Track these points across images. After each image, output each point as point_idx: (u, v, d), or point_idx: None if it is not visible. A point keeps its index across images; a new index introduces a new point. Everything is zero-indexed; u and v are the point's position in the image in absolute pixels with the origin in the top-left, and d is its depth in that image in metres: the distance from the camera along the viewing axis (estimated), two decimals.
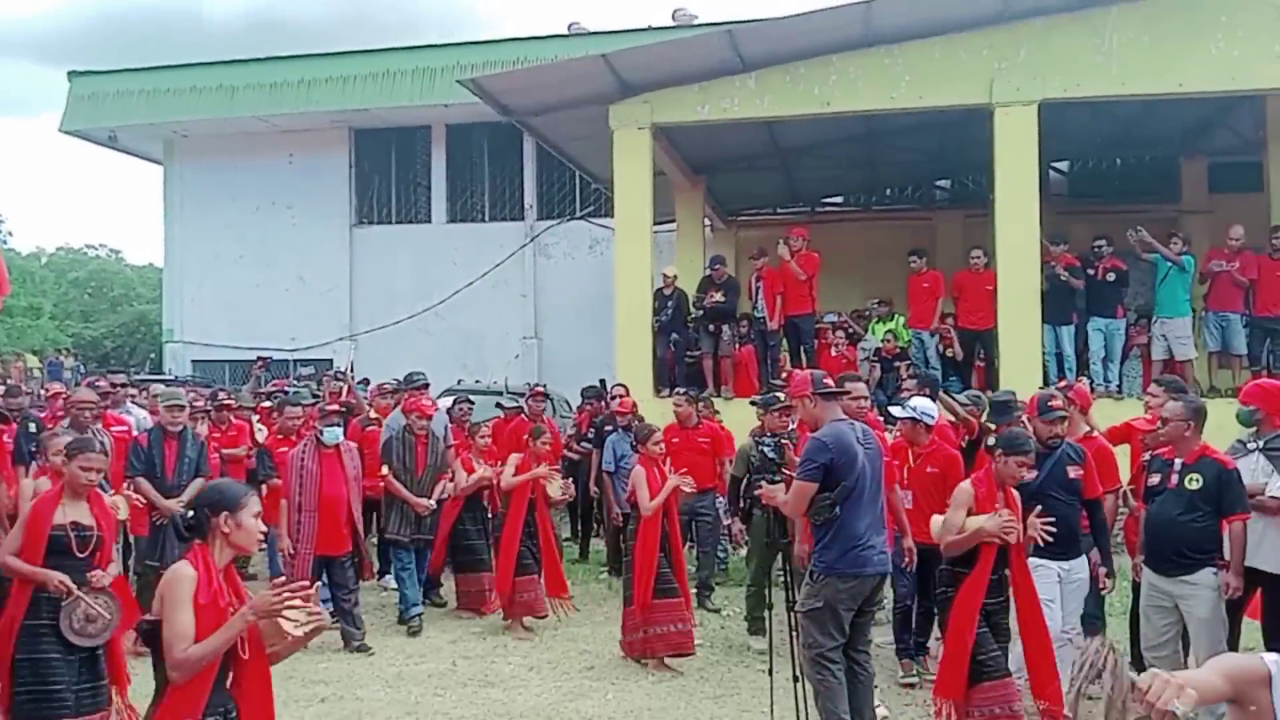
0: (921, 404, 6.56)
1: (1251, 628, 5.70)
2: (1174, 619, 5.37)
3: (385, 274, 18.80)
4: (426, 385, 9.42)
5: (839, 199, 19.19)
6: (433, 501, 7.99)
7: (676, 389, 10.16)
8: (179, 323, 19.64)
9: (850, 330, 12.48)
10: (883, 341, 12.46)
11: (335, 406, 7.84)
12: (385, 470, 7.98)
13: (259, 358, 14.16)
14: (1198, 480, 5.21)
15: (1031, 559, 5.24)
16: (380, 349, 17.80)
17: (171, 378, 15.50)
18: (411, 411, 8.11)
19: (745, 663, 6.84)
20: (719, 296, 11.85)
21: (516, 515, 7.72)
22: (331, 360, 18.71)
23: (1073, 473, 5.52)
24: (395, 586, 8.24)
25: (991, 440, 5.37)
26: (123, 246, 63.65)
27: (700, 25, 16.49)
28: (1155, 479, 5.49)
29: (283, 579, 3.32)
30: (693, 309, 12.02)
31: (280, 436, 8.56)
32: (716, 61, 11.00)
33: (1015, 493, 5.10)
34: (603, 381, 11.09)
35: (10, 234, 55.87)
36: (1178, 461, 5.36)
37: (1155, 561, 5.39)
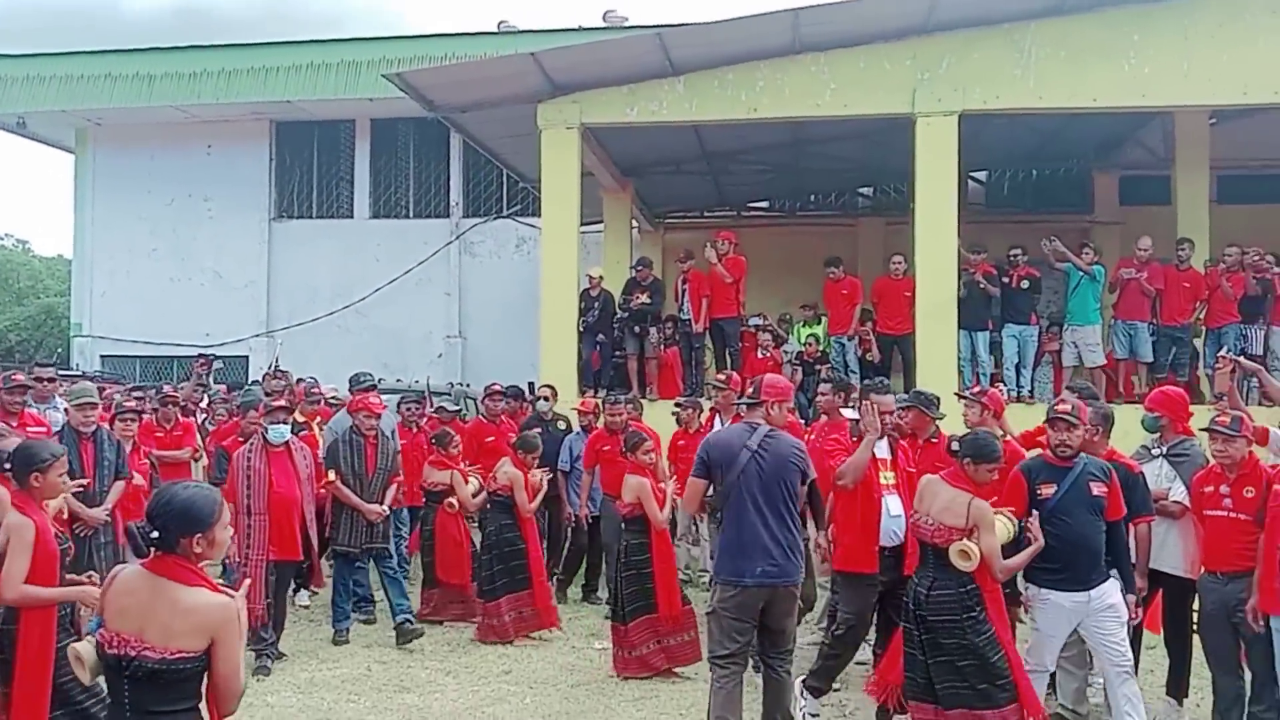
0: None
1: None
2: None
3: (305, 269, 18.41)
4: (374, 386, 9.05)
5: (765, 204, 19.36)
6: (385, 507, 7.55)
7: (606, 390, 10.17)
8: (88, 317, 18.97)
9: (775, 333, 12.60)
10: (804, 345, 12.63)
11: (281, 403, 7.31)
12: (332, 475, 7.45)
13: (201, 356, 13.53)
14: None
15: (1039, 590, 5.11)
16: (299, 346, 17.43)
17: (79, 373, 14.97)
18: (359, 410, 7.66)
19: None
20: (644, 298, 11.88)
21: (534, 531, 7.82)
22: (248, 357, 18.29)
23: (1096, 490, 5.07)
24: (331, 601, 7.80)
25: (956, 445, 5.18)
26: (30, 237, 61.39)
27: (631, 27, 16.49)
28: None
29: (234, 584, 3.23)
30: (619, 310, 12.02)
31: (242, 440, 7.77)
32: (646, 64, 11.01)
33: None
34: (531, 385, 11.01)
35: None
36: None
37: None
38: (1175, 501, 5.57)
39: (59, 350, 25.75)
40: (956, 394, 7.53)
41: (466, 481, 8.02)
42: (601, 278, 12.33)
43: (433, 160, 18.66)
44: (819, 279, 12.69)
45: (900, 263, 11.75)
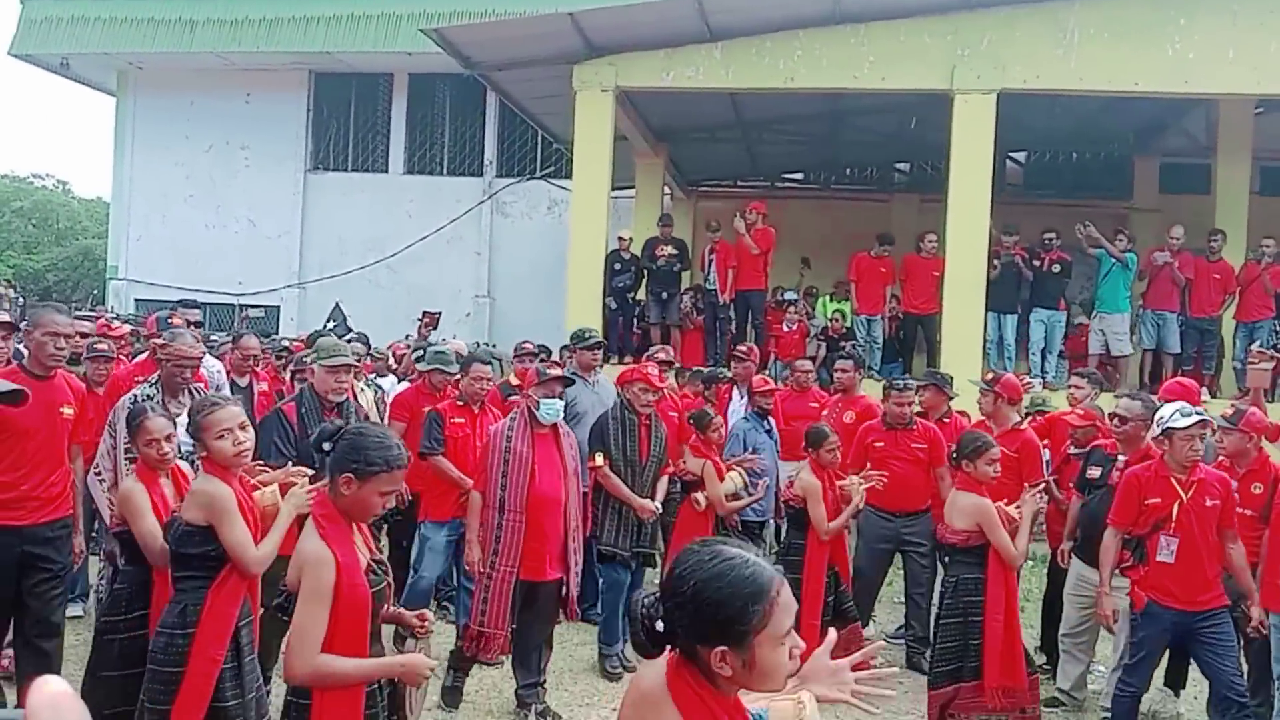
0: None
1: None
2: (1092, 609, 5.53)
3: (338, 222, 18.54)
4: (601, 344, 7.37)
5: (799, 175, 19.24)
6: (657, 503, 6.09)
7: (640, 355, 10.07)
8: (124, 260, 19.24)
9: (803, 308, 12.61)
10: (830, 320, 12.60)
11: (556, 372, 5.45)
12: (599, 460, 5.97)
13: (426, 312, 11.45)
14: None
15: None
16: (329, 298, 17.58)
17: (113, 315, 15.21)
18: (634, 382, 6.05)
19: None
20: (670, 250, 11.90)
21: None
22: (279, 307, 18.48)
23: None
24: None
25: (954, 455, 5.27)
26: (71, 178, 62.08)
27: None
28: (1096, 472, 5.59)
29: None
30: (646, 264, 12.02)
31: (460, 404, 6.35)
32: (684, 28, 10.94)
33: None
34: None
35: None
36: (1121, 459, 5.46)
37: (1088, 553, 5.45)
38: None
39: (94, 292, 26.12)
40: (972, 380, 7.52)
41: (722, 479, 6.40)
42: (630, 240, 12.34)
43: (468, 118, 18.67)
44: (848, 253, 12.63)
45: (933, 241, 11.66)
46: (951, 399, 6.68)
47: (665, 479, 6.20)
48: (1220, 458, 5.34)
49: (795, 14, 10.75)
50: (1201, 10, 10.41)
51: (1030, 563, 6.40)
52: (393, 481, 2.90)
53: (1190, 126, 14.71)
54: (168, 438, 3.96)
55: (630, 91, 11.87)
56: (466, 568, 5.33)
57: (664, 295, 11.98)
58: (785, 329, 12.20)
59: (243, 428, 3.64)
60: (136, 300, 18.79)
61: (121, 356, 7.12)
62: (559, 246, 14.43)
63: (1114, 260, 11.07)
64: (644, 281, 12.27)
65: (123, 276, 19.18)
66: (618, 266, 11.95)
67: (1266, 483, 5.01)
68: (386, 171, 18.87)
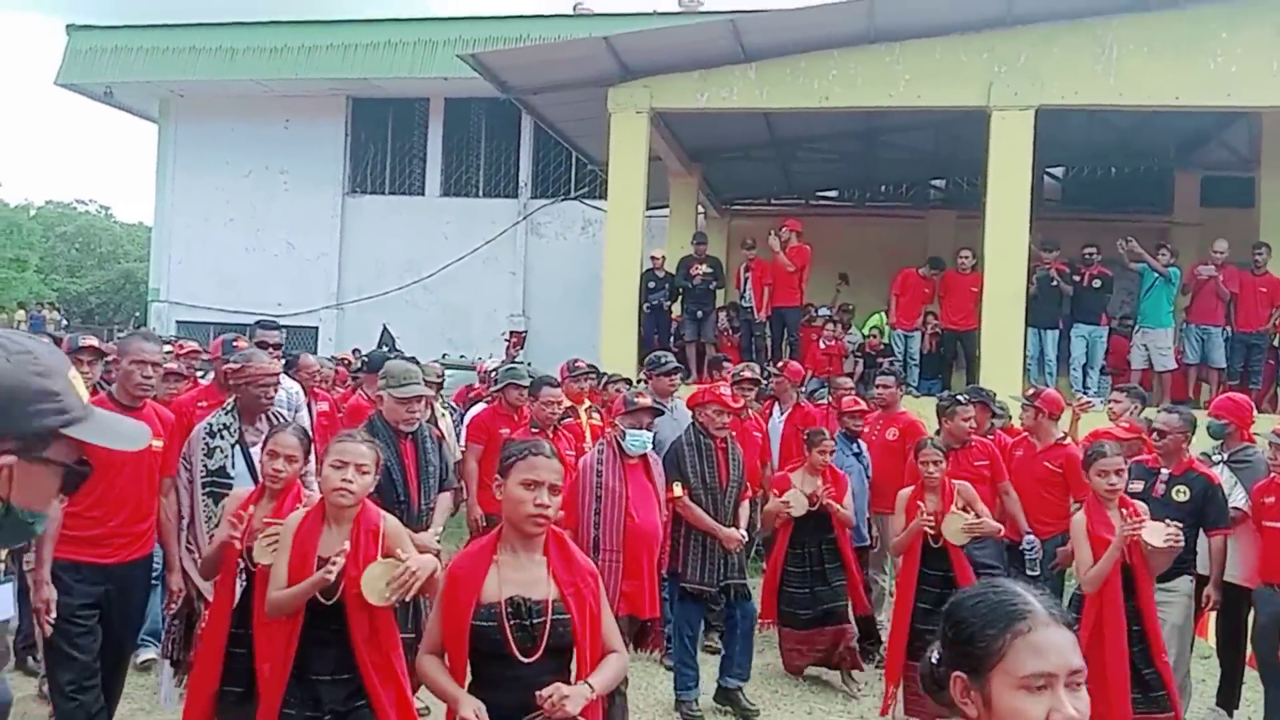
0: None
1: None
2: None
3: (375, 244, 18.75)
4: (677, 369, 7.04)
5: (834, 193, 19.21)
6: (743, 531, 5.65)
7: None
8: (165, 283, 19.55)
9: (841, 323, 12.58)
10: (867, 336, 12.55)
11: (645, 402, 5.08)
12: (679, 490, 5.47)
13: (513, 333, 11.44)
14: (1185, 492, 5.30)
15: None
16: (366, 320, 17.78)
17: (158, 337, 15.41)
18: (708, 404, 5.61)
19: None
20: (705, 268, 11.91)
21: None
22: (317, 328, 18.69)
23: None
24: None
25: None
26: (113, 203, 63.45)
27: (705, 12, 16.46)
28: (1138, 485, 5.54)
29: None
30: (680, 282, 12.04)
31: (535, 430, 5.97)
32: (718, 50, 10.99)
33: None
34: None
35: None
36: (1164, 472, 5.43)
37: None
38: (1235, 508, 5.47)
39: (136, 314, 26.56)
40: (1013, 396, 7.46)
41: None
42: (664, 258, 12.37)
43: (503, 141, 18.84)
44: (885, 270, 12.58)
45: (968, 257, 11.61)
46: (997, 416, 6.63)
47: (747, 504, 5.81)
48: (1274, 474, 5.25)
49: (830, 33, 10.76)
50: (1243, 23, 10.30)
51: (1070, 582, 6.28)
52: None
53: (1232, 140, 14.53)
54: (288, 457, 3.85)
55: (665, 113, 11.92)
56: None
57: (699, 313, 11.99)
58: (822, 346, 12.17)
59: (361, 470, 3.45)
60: (178, 322, 19.07)
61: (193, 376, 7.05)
62: (593, 266, 14.49)
63: (1156, 275, 10.95)
64: (679, 300, 12.28)
65: (164, 299, 19.48)
66: (652, 285, 11.99)
67: None
68: (423, 194, 19.08)
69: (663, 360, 6.84)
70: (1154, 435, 5.59)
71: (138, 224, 39.72)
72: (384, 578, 3.29)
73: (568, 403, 6.94)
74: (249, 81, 18.06)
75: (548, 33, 16.04)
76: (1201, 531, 5.32)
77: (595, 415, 7.23)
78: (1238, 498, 5.50)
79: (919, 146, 15.15)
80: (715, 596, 5.60)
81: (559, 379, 6.78)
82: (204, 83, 18.33)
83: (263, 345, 5.80)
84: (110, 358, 5.68)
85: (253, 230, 19.07)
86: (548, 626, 2.77)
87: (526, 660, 2.75)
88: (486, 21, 17.90)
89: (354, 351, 12.74)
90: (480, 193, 19.02)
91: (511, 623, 2.75)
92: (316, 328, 18.66)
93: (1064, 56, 10.61)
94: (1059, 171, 17.71)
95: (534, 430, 5.93)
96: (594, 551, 4.73)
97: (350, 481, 3.40)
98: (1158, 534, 4.41)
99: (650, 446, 5.03)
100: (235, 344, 5.57)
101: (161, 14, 18.28)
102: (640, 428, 4.98)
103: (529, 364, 15.32)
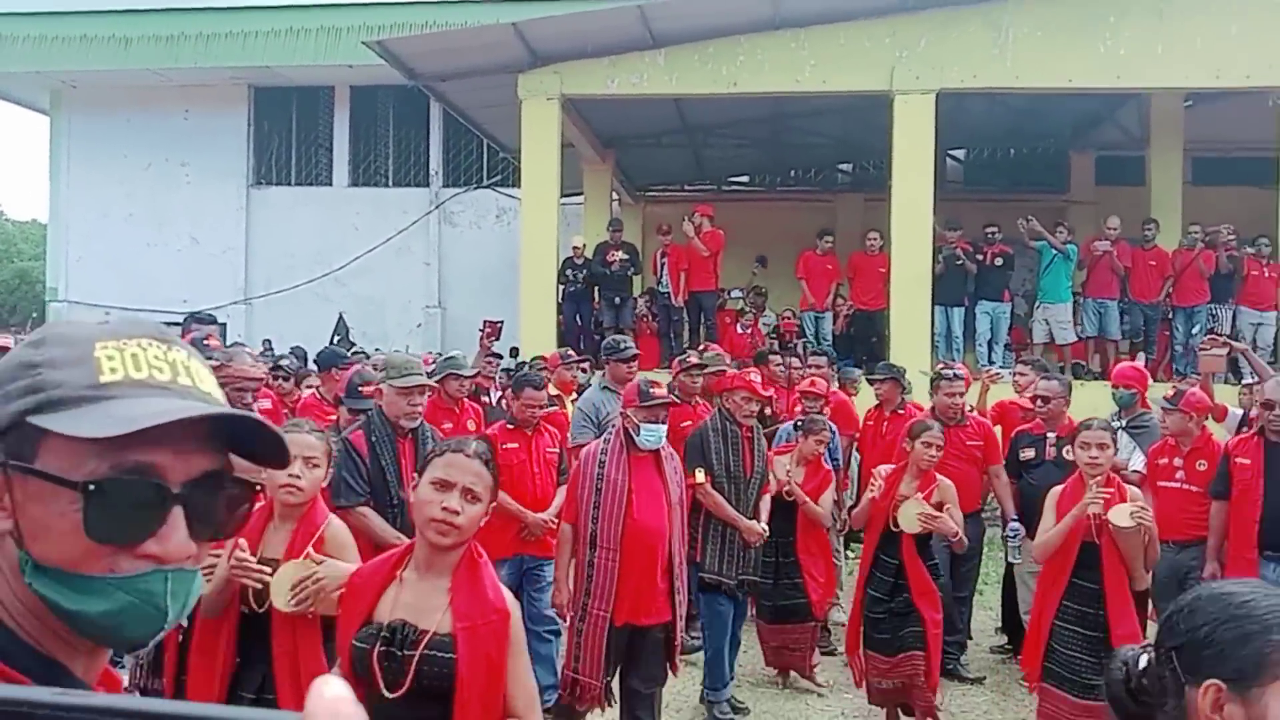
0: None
1: None
2: None
3: (283, 237, 18.35)
4: (636, 355, 6.78)
5: (745, 178, 19.43)
6: (764, 525, 5.47)
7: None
8: (64, 281, 18.86)
9: (755, 306, 12.78)
10: (781, 319, 12.78)
11: (661, 393, 4.81)
12: (700, 477, 5.30)
13: (487, 322, 10.46)
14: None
15: None
16: (276, 314, 17.43)
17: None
18: (737, 390, 5.44)
19: None
20: (621, 255, 11.99)
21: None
22: (225, 324, 18.24)
23: None
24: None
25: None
26: (3, 200, 60.63)
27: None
28: (1030, 453, 5.83)
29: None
30: (597, 269, 12.10)
31: (511, 427, 5.71)
32: (627, 36, 11.04)
33: None
34: (515, 349, 11.07)
35: None
36: (1051, 435, 5.72)
37: (1033, 531, 5.64)
38: (1134, 471, 5.76)
39: (33, 315, 25.59)
40: (922, 372, 7.69)
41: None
42: (584, 246, 12.41)
43: (413, 129, 18.59)
44: (797, 252, 12.81)
45: (876, 239, 11.89)
46: (907, 391, 6.84)
47: (768, 498, 5.56)
48: (1167, 438, 5.54)
49: (736, 20, 10.89)
50: (1131, 8, 10.72)
51: (987, 548, 6.54)
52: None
53: (1124, 120, 15.13)
54: (307, 460, 3.27)
55: (576, 99, 11.93)
56: (553, 610, 4.85)
57: (617, 300, 12.06)
58: (740, 330, 12.34)
59: (310, 462, 3.18)
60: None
61: None
62: (509, 254, 14.44)
63: (1055, 252, 11.37)
64: (597, 287, 12.33)
65: (63, 298, 18.80)
66: (569, 272, 12.01)
67: (1211, 460, 5.22)
68: (331, 184, 18.72)
69: (621, 345, 6.61)
70: (1038, 402, 5.89)
71: (31, 221, 38.21)
72: (290, 580, 2.97)
73: (554, 391, 6.71)
74: (145, 71, 17.47)
75: (455, 18, 15.84)
76: None
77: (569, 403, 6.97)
78: (1136, 461, 5.79)
79: (826, 131, 15.42)
80: (734, 589, 5.40)
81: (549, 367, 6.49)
82: (98, 72, 17.66)
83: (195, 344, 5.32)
84: None
85: (154, 224, 18.50)
86: (416, 661, 2.38)
87: (390, 695, 2.37)
88: (392, 7, 17.58)
89: (264, 343, 12.48)
90: (390, 182, 18.75)
91: (381, 649, 2.41)
92: (224, 324, 18.19)
93: (962, 41, 10.91)
94: (960, 154, 18.20)
95: (510, 426, 5.66)
96: (591, 548, 4.51)
97: (298, 477, 3.13)
98: (1123, 514, 4.26)
99: (664, 440, 4.74)
100: (207, 341, 5.14)
101: (50, 1, 17.49)
102: (656, 421, 4.64)
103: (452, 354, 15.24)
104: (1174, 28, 10.61)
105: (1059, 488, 4.62)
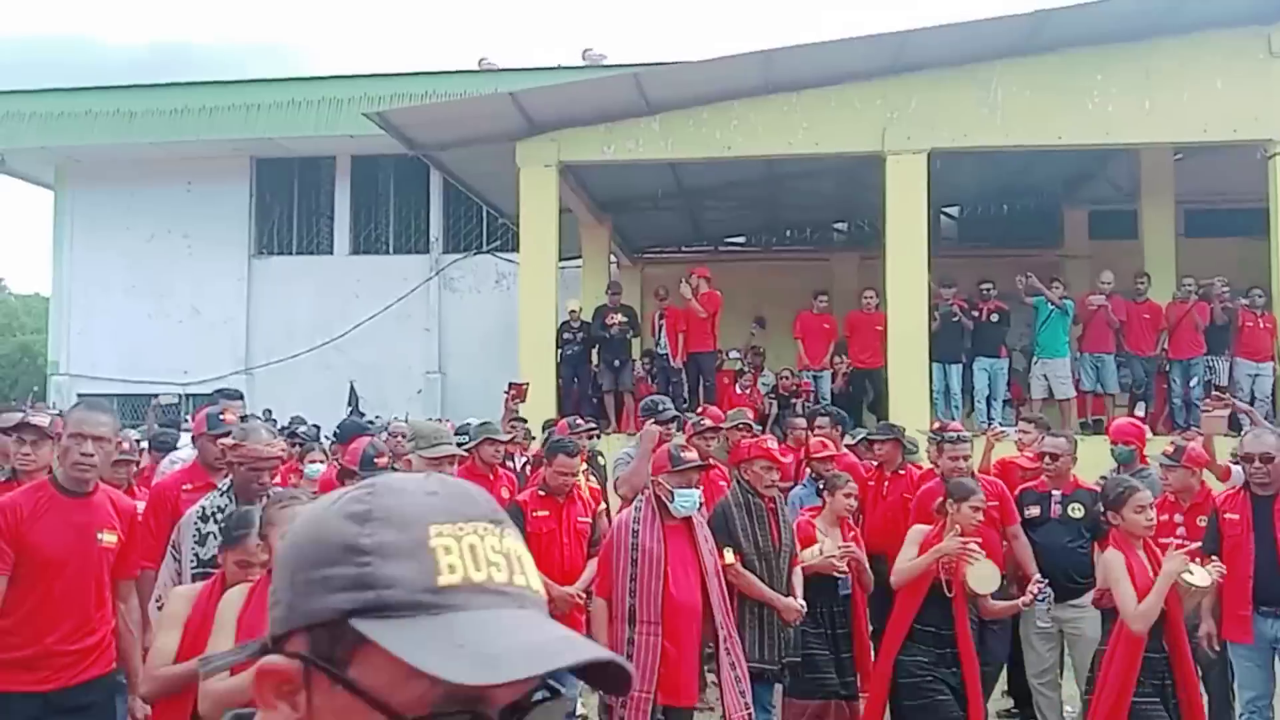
0: None
1: None
2: (1056, 643, 5.67)
3: (284, 306, 18.45)
4: (675, 418, 6.67)
5: (741, 239, 19.59)
6: (801, 601, 5.06)
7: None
8: (65, 354, 18.93)
9: (753, 366, 12.80)
10: (780, 379, 12.79)
11: (694, 459, 4.73)
12: (730, 557, 4.95)
13: (512, 385, 10.18)
14: (1079, 509, 5.57)
15: None
16: (277, 383, 17.45)
17: (57, 411, 14.90)
18: (756, 460, 5.22)
19: None
20: (620, 318, 12.03)
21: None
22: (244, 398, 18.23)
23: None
24: None
25: (1100, 505, 4.89)
26: (6, 274, 61.11)
27: (609, 65, 16.73)
28: (1034, 510, 5.78)
29: None
30: (597, 332, 12.13)
31: (542, 495, 5.48)
32: (622, 103, 11.22)
33: None
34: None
35: None
36: (1056, 493, 5.68)
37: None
38: None
39: (34, 389, 25.62)
40: (920, 431, 7.67)
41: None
42: (580, 309, 12.48)
43: (413, 196, 18.79)
44: (794, 312, 12.87)
45: (872, 297, 11.96)
46: (911, 452, 6.83)
47: (799, 571, 5.15)
48: (1166, 493, 5.52)
49: (729, 85, 11.08)
50: (1115, 66, 10.91)
51: None
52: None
53: (1115, 175, 15.28)
54: (261, 565, 3.25)
55: (573, 165, 12.08)
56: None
57: (616, 362, 12.09)
58: (739, 390, 12.35)
59: None
60: (79, 395, 18.43)
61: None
62: (508, 319, 14.50)
63: (1053, 307, 11.41)
64: (596, 350, 12.37)
65: (64, 371, 18.85)
66: (568, 336, 12.06)
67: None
68: (332, 253, 18.87)
69: (660, 407, 6.34)
70: (1045, 459, 5.86)
71: (34, 294, 38.45)
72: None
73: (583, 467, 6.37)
74: (148, 144, 17.72)
75: (453, 88, 16.11)
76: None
77: (591, 477, 6.64)
78: None
79: (821, 191, 15.59)
80: (779, 674, 5.02)
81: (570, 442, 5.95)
82: (101, 147, 17.92)
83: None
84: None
85: (155, 296, 18.61)
86: None
87: None
88: (391, 78, 17.92)
89: (265, 413, 12.45)
90: (390, 249, 18.91)
91: None
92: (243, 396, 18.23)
93: (952, 101, 11.08)
94: (954, 211, 18.35)
95: (542, 494, 5.41)
96: (629, 624, 4.26)
97: None
98: (1201, 574, 4.14)
99: (699, 507, 4.52)
100: (222, 416, 4.98)
101: (55, 79, 17.82)
102: (689, 486, 4.47)
103: (446, 419, 15.24)
104: (1160, 84, 10.78)
105: (1119, 555, 4.35)
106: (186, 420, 13.01)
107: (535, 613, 0.83)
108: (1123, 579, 4.28)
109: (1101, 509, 4.69)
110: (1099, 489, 5.70)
